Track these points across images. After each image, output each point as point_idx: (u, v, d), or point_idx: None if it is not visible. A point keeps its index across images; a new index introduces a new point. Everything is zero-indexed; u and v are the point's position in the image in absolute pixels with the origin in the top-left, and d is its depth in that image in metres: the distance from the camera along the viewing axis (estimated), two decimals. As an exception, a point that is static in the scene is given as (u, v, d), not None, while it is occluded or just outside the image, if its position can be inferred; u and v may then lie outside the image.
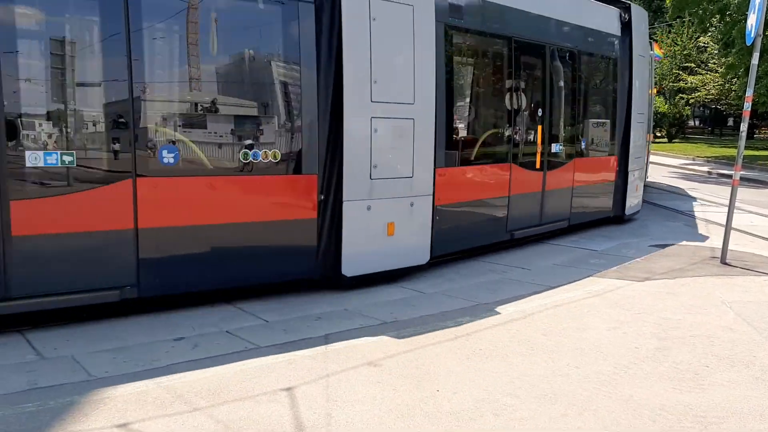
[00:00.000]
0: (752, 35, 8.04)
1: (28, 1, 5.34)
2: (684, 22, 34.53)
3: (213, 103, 6.43)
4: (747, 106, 8.27)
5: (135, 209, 5.65)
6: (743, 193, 12.62)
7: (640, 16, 11.47)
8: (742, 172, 8.74)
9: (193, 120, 6.28)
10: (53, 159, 5.31)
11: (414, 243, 7.49)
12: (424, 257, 7.60)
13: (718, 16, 23.06)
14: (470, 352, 5.04)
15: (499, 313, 6.09)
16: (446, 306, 6.36)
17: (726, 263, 8.14)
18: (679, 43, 37.49)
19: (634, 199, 11.84)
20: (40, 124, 5.41)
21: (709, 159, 25.43)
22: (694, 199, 15.15)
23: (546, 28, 9.65)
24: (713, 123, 45.36)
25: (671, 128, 36.33)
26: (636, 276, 7.53)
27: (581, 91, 10.81)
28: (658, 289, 6.96)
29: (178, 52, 6.25)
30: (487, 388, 4.36)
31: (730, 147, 29.89)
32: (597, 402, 4.17)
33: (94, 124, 5.72)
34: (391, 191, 7.11)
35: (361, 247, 6.94)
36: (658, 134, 34.78)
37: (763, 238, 9.98)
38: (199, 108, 6.36)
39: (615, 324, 5.76)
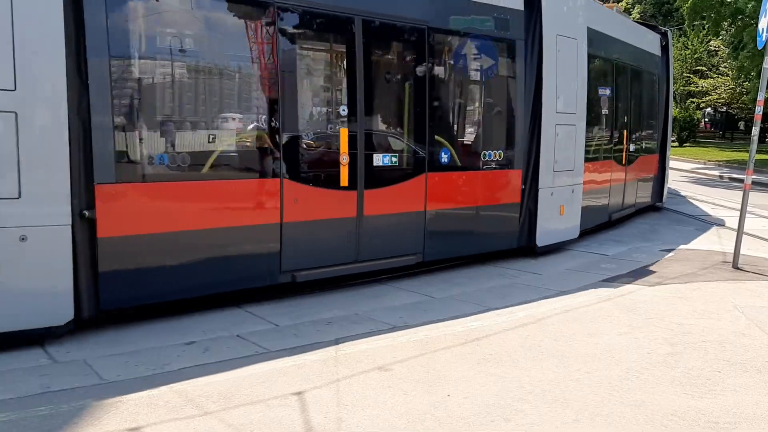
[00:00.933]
0: (764, 38, 8.00)
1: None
2: (695, 26, 34.40)
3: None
4: (759, 110, 8.23)
5: None
6: (755, 197, 12.55)
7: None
8: (753, 177, 8.69)
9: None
10: None
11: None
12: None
13: (729, 20, 22.96)
14: (481, 357, 5.03)
15: (509, 317, 6.07)
16: (456, 311, 6.34)
17: (738, 268, 8.10)
18: (690, 47, 37.34)
19: (559, 224, 9.40)
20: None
21: (721, 163, 25.30)
22: (705, 203, 15.07)
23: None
24: (724, 126, 45.11)
25: (682, 132, 36.15)
26: (647, 280, 7.50)
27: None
28: (670, 293, 6.93)
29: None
30: (498, 393, 4.35)
31: (741, 151, 29.70)
32: (608, 407, 4.15)
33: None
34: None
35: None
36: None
37: (776, 242, 9.92)
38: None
39: (626, 329, 5.74)
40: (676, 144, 35.34)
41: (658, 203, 14.01)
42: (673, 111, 34.79)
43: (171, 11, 5.97)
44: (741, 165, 21.54)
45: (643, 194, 13.06)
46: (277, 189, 6.43)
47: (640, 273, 7.96)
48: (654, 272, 7.96)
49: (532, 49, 8.68)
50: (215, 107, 6.57)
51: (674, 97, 37.18)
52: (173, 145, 6.06)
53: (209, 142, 6.38)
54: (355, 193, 7.05)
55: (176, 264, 5.93)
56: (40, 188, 5.08)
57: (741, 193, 8.53)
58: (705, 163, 25.72)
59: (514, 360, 4.96)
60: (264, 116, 6.54)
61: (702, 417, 4.03)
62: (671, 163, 19.47)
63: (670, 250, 9.37)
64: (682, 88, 37.45)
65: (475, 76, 8.61)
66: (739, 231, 8.28)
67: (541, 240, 9.00)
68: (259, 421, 3.90)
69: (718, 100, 35.83)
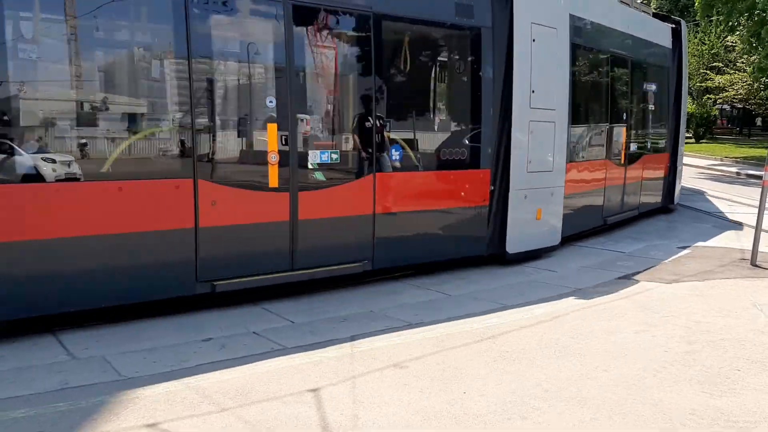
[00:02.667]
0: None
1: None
2: (712, 21, 34.09)
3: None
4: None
5: None
6: (774, 194, 12.38)
7: None
8: (772, 173, 8.58)
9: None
10: None
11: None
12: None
13: (746, 15, 22.70)
14: (497, 354, 5.01)
15: (526, 315, 6.05)
16: (472, 308, 6.33)
17: (756, 265, 8.02)
18: (707, 42, 36.97)
19: (536, 229, 8.65)
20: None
21: (738, 160, 25.03)
22: (723, 200, 14.93)
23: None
24: (741, 123, 44.65)
25: (699, 128, 35.82)
26: (664, 278, 7.45)
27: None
28: (687, 291, 6.87)
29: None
30: (515, 390, 4.33)
31: (759, 147, 29.42)
32: (626, 406, 4.12)
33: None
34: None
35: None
36: (686, 135, 34.30)
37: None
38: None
39: (644, 327, 5.70)
40: (693, 140, 35.05)
41: (669, 205, 13.27)
42: (689, 107, 34.72)
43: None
44: (759, 162, 21.33)
45: (649, 196, 12.32)
46: (189, 190, 5.83)
47: (657, 270, 7.90)
48: (671, 270, 7.90)
49: (502, 38, 7.89)
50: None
51: (690, 94, 36.99)
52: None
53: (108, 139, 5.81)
54: (286, 195, 6.35)
55: (68, 272, 5.40)
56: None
57: (759, 190, 8.44)
58: (722, 160, 25.46)
59: (531, 358, 4.94)
60: (176, 108, 6.01)
61: (721, 416, 3.99)
62: (687, 160, 19.37)
63: (687, 248, 9.29)
64: (698, 84, 37.11)
65: (432, 67, 8.08)
66: (758, 228, 8.19)
67: (513, 246, 8.26)
68: (275, 418, 3.91)
69: (735, 96, 35.44)
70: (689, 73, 35.89)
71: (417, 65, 7.77)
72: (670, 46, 12.84)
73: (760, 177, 8.68)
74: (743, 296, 6.66)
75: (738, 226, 11.26)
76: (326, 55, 6.86)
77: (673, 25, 13.03)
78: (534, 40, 8.07)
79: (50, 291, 5.30)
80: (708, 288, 6.98)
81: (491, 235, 8.16)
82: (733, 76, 33.94)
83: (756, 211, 8.40)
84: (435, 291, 7.08)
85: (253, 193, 6.22)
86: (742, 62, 31.72)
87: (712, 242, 9.77)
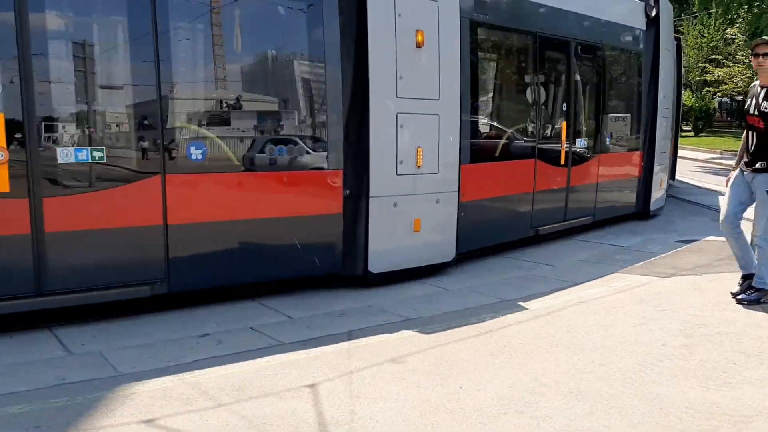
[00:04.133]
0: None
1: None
2: (711, 14, 34.03)
3: None
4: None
5: None
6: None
7: None
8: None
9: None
10: None
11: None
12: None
13: (746, 7, 22.67)
14: (494, 348, 5.01)
15: (523, 309, 6.05)
16: (470, 302, 6.33)
17: (755, 259, 8.01)
18: (707, 35, 36.92)
19: (413, 243, 7.30)
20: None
21: (737, 153, 25.00)
22: (721, 194, 14.91)
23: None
24: (741, 116, 44.58)
25: (698, 122, 35.81)
26: (662, 272, 7.44)
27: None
28: (685, 285, 6.87)
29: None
30: (512, 385, 4.34)
31: (758, 140, 29.31)
32: (623, 400, 4.12)
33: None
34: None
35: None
36: (685, 128, 34.31)
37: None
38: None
39: (641, 320, 5.69)
40: (692, 134, 35.05)
41: (644, 211, 11.36)
42: (687, 100, 34.70)
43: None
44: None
45: (610, 201, 10.66)
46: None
47: (654, 264, 7.89)
48: (669, 263, 7.90)
49: (349, 14, 6.52)
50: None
51: (689, 86, 36.98)
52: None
53: None
54: (25, 201, 5.18)
55: None
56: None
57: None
58: (721, 153, 25.46)
59: (528, 352, 4.94)
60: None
61: (717, 410, 3.99)
62: (686, 153, 19.36)
63: (685, 242, 9.29)
64: (697, 77, 37.07)
65: (254, 49, 6.63)
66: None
67: (378, 264, 6.86)
68: (272, 413, 3.91)
69: (735, 89, 35.41)
70: (688, 66, 36.05)
71: (230, 45, 6.42)
72: (644, 28, 10.93)
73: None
74: (741, 290, 6.65)
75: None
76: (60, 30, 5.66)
77: (647, 4, 10.89)
78: (399, 16, 6.68)
79: None
80: (706, 282, 6.98)
81: (346, 251, 6.80)
82: (732, 69, 33.91)
83: (753, 204, 8.38)
84: (433, 285, 7.07)
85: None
86: (742, 55, 31.69)
87: (710, 236, 9.73)
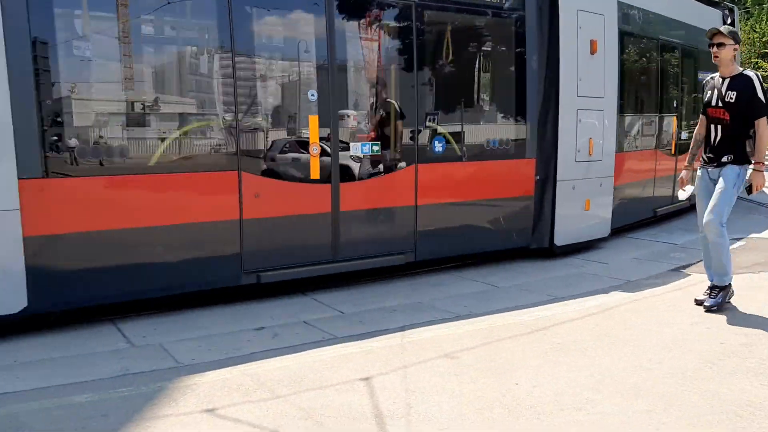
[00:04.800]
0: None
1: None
2: (764, 8, 33.07)
3: None
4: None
5: None
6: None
7: None
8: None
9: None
10: None
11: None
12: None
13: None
14: (548, 346, 4.98)
15: (577, 307, 6.00)
16: (521, 300, 6.30)
17: (815, 257, 7.78)
18: (758, 30, 35.86)
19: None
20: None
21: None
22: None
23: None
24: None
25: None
26: (718, 270, 7.27)
27: None
28: (742, 283, 6.70)
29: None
30: (568, 382, 4.30)
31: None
32: (682, 398, 4.06)
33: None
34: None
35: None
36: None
37: None
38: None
39: (698, 319, 5.59)
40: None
41: (534, 245, 8.17)
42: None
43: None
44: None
45: (436, 234, 7.36)
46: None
47: (710, 262, 7.71)
48: (725, 262, 7.70)
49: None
50: None
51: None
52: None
53: None
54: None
55: None
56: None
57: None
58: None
59: (584, 349, 4.90)
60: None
61: (780, 409, 3.90)
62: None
63: (740, 239, 9.06)
64: (750, 72, 36.02)
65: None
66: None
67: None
68: (329, 405, 3.96)
69: (790, 85, 34.36)
70: (741, 62, 35.10)
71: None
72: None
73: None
74: (802, 289, 6.49)
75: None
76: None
77: None
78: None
79: None
80: (763, 280, 6.81)
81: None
82: (787, 64, 32.88)
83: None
84: (483, 282, 7.07)
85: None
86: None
87: (767, 233, 9.51)
